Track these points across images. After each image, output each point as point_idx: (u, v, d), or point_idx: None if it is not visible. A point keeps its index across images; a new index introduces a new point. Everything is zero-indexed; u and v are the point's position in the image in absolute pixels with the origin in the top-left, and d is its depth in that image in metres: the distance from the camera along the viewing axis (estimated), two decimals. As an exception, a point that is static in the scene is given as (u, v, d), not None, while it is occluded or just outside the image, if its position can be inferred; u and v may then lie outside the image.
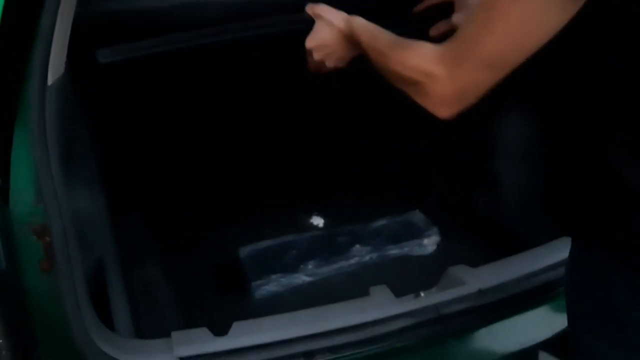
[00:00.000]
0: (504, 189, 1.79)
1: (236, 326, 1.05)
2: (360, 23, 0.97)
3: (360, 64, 0.98)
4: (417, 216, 1.75)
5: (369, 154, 1.95)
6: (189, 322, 1.27)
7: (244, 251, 1.62)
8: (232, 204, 1.76)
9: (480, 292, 1.15)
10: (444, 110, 0.79)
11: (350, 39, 0.99)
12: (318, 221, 1.82)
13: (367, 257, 1.59)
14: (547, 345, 1.18)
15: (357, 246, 1.61)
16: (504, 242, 1.59)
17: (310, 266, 1.56)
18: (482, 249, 1.62)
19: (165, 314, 1.36)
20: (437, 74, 0.75)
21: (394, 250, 1.62)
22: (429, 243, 1.66)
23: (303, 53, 1.09)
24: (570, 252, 0.92)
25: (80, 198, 1.24)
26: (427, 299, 1.14)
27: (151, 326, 1.27)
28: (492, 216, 1.75)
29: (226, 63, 1.65)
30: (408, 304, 1.13)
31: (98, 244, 1.34)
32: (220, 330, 1.06)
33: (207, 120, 1.70)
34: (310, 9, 1.07)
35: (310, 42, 1.05)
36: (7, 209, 0.91)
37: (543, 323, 1.20)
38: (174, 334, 1.03)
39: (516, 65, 0.73)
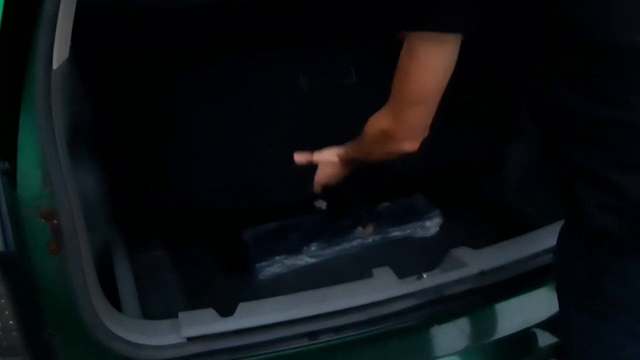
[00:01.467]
0: (507, 171, 1.80)
1: (242, 307, 1.07)
2: (347, 145, 1.19)
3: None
4: (419, 199, 1.77)
5: None
6: (194, 303, 1.29)
7: (248, 233, 1.64)
8: (236, 187, 1.77)
9: (482, 274, 1.16)
10: (409, 145, 1.04)
11: (347, 159, 1.20)
12: (321, 204, 1.83)
13: (370, 239, 1.61)
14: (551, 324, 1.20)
15: (360, 228, 1.62)
16: (507, 224, 1.60)
17: (313, 248, 1.58)
18: (485, 231, 1.63)
19: (170, 294, 1.38)
20: (388, 123, 1.02)
21: (396, 232, 1.63)
22: (432, 225, 1.67)
23: None
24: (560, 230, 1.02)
25: (86, 180, 1.25)
26: (429, 280, 1.16)
27: (157, 307, 1.29)
28: (494, 198, 1.76)
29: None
30: (410, 286, 1.15)
31: (104, 225, 1.36)
32: (225, 310, 1.07)
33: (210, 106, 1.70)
34: (302, 158, 1.23)
35: (320, 180, 1.25)
36: (15, 192, 0.91)
37: (544, 304, 1.21)
38: (181, 315, 1.04)
39: (437, 97, 0.97)
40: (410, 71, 0.95)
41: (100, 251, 1.27)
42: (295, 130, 1.74)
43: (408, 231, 1.65)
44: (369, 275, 1.22)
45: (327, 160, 1.22)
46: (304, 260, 1.55)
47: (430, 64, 0.94)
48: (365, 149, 1.13)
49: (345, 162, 1.22)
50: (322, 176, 1.25)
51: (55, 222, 0.93)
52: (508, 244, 1.24)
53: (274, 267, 1.52)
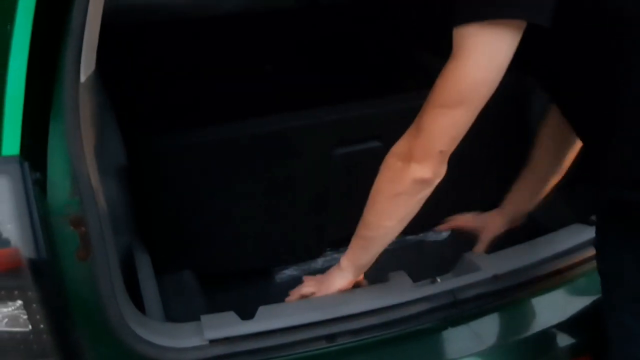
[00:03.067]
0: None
1: (262, 310, 1.10)
2: (348, 259, 1.18)
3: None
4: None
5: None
6: (213, 306, 1.32)
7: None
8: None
9: (495, 278, 1.18)
10: (421, 169, 0.98)
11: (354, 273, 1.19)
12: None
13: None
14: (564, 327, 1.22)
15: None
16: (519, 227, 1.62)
17: (328, 251, 1.61)
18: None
19: (190, 297, 1.41)
20: (404, 143, 1.00)
21: (409, 236, 1.66)
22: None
23: None
24: (599, 236, 1.03)
25: (111, 185, 1.29)
26: (443, 284, 1.18)
27: (178, 309, 1.32)
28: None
29: None
30: (425, 289, 1.18)
31: (127, 228, 1.39)
32: (245, 313, 1.10)
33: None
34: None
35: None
36: (45, 200, 0.95)
37: (559, 306, 1.24)
38: (204, 318, 1.08)
39: (480, 101, 0.93)
40: (458, 66, 0.90)
41: (124, 254, 1.31)
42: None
43: (420, 235, 1.67)
44: (385, 278, 1.25)
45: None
46: (319, 263, 1.58)
47: (486, 57, 0.89)
48: (369, 219, 1.09)
49: (352, 274, 1.18)
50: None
51: (84, 229, 0.97)
52: (521, 248, 1.26)
53: (290, 269, 1.56)
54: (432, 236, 1.68)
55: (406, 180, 0.99)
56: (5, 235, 0.90)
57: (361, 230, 1.13)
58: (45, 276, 0.92)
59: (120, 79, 1.50)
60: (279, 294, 1.44)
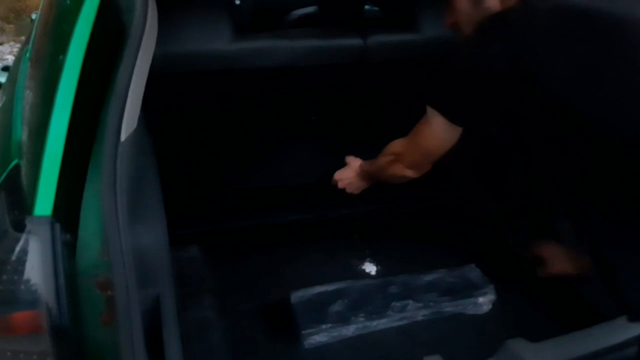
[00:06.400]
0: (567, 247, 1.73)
1: None
2: (364, 163, 1.56)
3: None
4: (473, 271, 1.71)
5: (425, 202, 1.93)
6: None
7: (296, 296, 1.62)
8: (286, 245, 1.77)
9: None
10: (411, 173, 1.35)
11: (362, 174, 1.56)
12: (371, 268, 1.80)
13: (420, 314, 1.56)
14: None
15: (411, 302, 1.58)
16: (563, 304, 1.53)
17: (361, 318, 1.54)
18: (540, 312, 1.56)
19: (217, 357, 1.37)
20: (402, 148, 1.36)
21: (447, 308, 1.58)
22: (485, 302, 1.62)
23: None
24: None
25: (144, 237, 1.27)
26: None
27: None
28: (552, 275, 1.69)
29: None
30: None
31: (157, 280, 1.37)
32: None
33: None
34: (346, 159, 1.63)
35: (336, 175, 1.61)
36: (73, 261, 0.93)
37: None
38: None
39: (439, 155, 1.29)
40: (423, 131, 1.28)
41: (151, 308, 1.28)
42: None
43: (460, 307, 1.59)
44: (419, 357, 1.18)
45: (352, 164, 1.59)
46: (350, 330, 1.52)
47: (436, 133, 1.24)
48: (376, 166, 1.45)
49: (362, 173, 1.55)
50: (342, 173, 1.59)
51: (110, 293, 0.94)
52: (568, 339, 1.17)
53: (320, 335, 1.50)
54: (471, 309, 1.60)
55: (399, 173, 1.37)
56: (30, 297, 0.88)
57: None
58: (67, 343, 0.89)
59: (161, 128, 1.50)
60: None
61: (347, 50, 1.88)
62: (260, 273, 1.72)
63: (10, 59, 4.90)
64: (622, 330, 1.17)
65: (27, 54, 1.68)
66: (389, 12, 2.23)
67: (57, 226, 0.89)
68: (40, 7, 1.85)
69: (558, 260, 1.44)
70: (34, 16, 2.62)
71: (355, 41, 1.88)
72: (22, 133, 1.16)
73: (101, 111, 1.00)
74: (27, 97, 1.32)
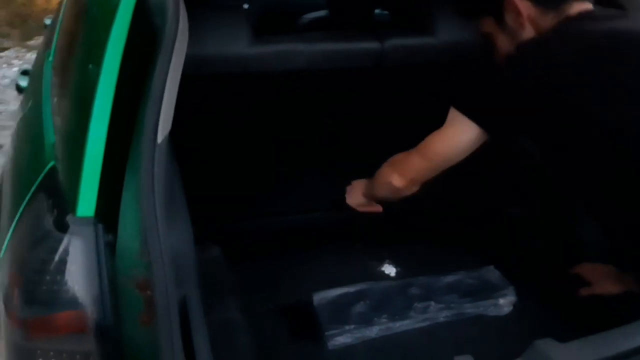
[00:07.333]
0: (587, 249, 1.74)
1: None
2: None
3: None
4: (492, 273, 1.72)
5: (444, 203, 1.94)
6: None
7: (317, 297, 1.63)
8: (305, 246, 1.78)
9: None
10: (407, 192, 1.40)
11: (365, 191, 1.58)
12: (390, 270, 1.81)
13: (442, 315, 1.57)
14: None
15: (432, 303, 1.59)
16: (583, 306, 1.54)
17: (384, 319, 1.55)
18: (560, 313, 1.57)
19: (245, 359, 1.37)
20: (397, 180, 1.40)
21: (469, 309, 1.59)
22: (505, 303, 1.63)
23: None
24: None
25: (175, 238, 1.28)
26: None
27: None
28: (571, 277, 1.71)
29: None
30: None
31: (183, 281, 1.38)
32: None
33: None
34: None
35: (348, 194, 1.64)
36: (113, 262, 0.94)
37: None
38: None
39: (447, 165, 1.34)
40: (440, 137, 1.30)
41: (180, 309, 1.29)
42: None
43: (481, 308, 1.60)
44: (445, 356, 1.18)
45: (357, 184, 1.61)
46: (373, 331, 1.52)
47: (457, 139, 1.27)
48: (371, 189, 1.51)
49: (364, 192, 1.57)
50: (349, 190, 1.63)
51: (149, 292, 0.95)
52: (598, 339, 1.18)
53: (344, 336, 1.50)
54: (492, 310, 1.61)
55: (395, 195, 1.43)
56: (73, 297, 0.89)
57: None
58: (110, 342, 0.90)
59: (179, 130, 1.52)
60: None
61: (363, 54, 1.90)
62: (278, 274, 1.73)
63: (16, 63, 4.91)
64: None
65: (50, 58, 1.70)
66: (399, 16, 2.25)
67: (100, 227, 0.90)
68: (60, 12, 1.87)
69: (602, 281, 1.48)
70: (48, 22, 2.63)
71: (372, 44, 1.89)
72: (54, 136, 1.17)
73: (136, 114, 1.02)
74: (55, 102, 1.33)
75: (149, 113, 0.99)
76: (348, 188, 1.64)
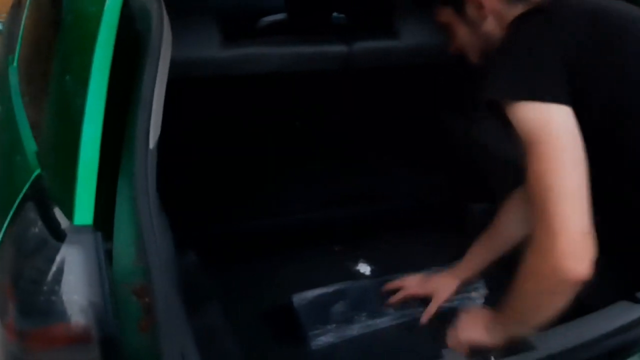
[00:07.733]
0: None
1: None
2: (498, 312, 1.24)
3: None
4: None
5: (410, 202, 2.00)
6: None
7: (297, 299, 1.64)
8: (282, 249, 1.80)
9: (550, 358, 1.16)
10: (575, 264, 0.99)
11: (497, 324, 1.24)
12: (365, 269, 1.84)
13: (419, 310, 1.61)
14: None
15: (409, 300, 1.63)
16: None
17: (363, 317, 1.58)
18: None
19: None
20: (539, 245, 1.04)
21: (444, 304, 1.64)
22: (477, 296, 1.68)
23: None
24: None
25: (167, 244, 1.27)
26: None
27: None
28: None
29: None
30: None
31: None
32: None
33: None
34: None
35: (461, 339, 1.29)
36: (110, 270, 0.93)
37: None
38: None
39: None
40: (544, 150, 1.01)
41: None
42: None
43: (455, 302, 1.65)
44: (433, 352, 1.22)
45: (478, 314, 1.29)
46: (355, 329, 1.55)
47: (562, 132, 1.03)
48: (521, 306, 1.12)
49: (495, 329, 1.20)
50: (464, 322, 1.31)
51: (147, 299, 0.95)
52: (575, 325, 1.24)
53: (327, 336, 1.52)
54: (466, 304, 1.66)
55: (561, 278, 1.02)
56: (74, 307, 0.88)
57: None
58: (114, 351, 0.89)
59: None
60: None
61: (331, 57, 1.94)
62: (255, 278, 1.74)
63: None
64: (612, 319, 1.25)
65: (15, 63, 1.65)
66: (357, 19, 2.30)
67: (99, 235, 0.90)
68: (21, 18, 1.82)
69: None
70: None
71: (339, 48, 1.93)
72: (36, 144, 1.15)
73: (125, 121, 1.01)
74: (31, 110, 1.30)
75: (140, 119, 0.99)
76: (463, 318, 1.31)
